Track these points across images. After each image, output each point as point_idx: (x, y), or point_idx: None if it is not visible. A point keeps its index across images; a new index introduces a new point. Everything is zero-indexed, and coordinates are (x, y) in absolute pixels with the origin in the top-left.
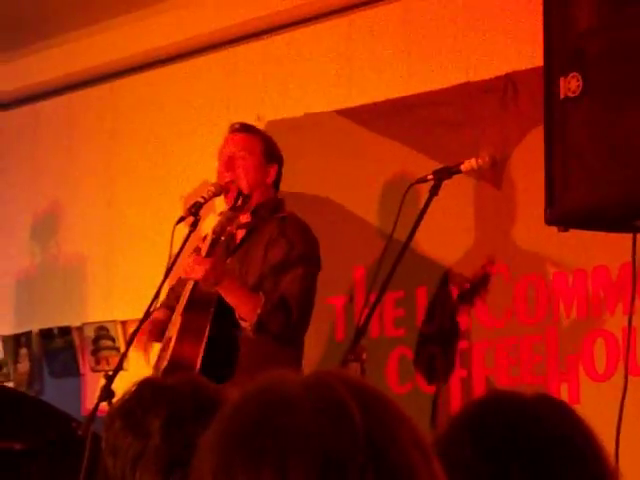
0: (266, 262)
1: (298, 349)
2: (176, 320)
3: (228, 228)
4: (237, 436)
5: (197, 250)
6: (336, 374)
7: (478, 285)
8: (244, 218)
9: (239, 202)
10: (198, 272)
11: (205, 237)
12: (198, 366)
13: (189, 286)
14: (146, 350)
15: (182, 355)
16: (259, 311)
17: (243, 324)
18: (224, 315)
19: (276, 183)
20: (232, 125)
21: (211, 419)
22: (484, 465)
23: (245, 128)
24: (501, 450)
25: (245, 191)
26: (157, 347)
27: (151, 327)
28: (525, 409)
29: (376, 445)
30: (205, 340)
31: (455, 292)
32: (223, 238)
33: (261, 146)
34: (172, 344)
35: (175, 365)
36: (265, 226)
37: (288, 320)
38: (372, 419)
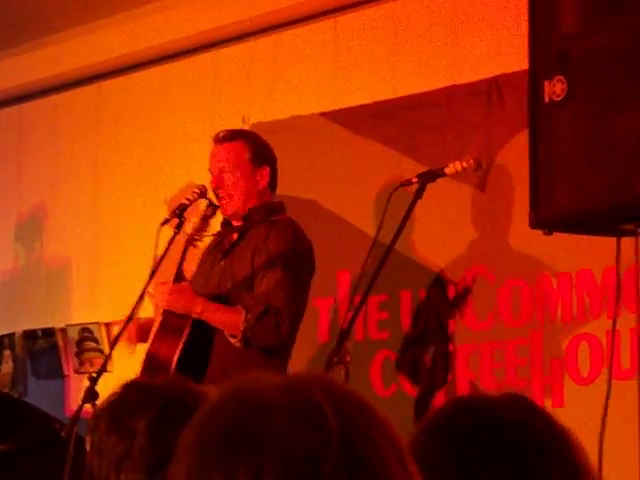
0: (252, 268)
1: (282, 357)
2: (157, 318)
3: (196, 237)
4: (212, 438)
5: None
6: (313, 376)
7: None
8: (236, 222)
9: (208, 212)
10: (161, 300)
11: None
12: (174, 365)
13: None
14: (132, 347)
15: (159, 352)
16: (242, 326)
17: (232, 341)
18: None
19: (271, 184)
20: (216, 135)
21: None
22: (455, 467)
23: (230, 136)
24: (471, 452)
25: (239, 203)
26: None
27: (137, 329)
28: (494, 410)
29: (351, 448)
30: (184, 340)
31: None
32: (194, 247)
33: (248, 153)
34: (150, 340)
35: (151, 361)
36: (255, 230)
37: (278, 330)
38: (347, 422)
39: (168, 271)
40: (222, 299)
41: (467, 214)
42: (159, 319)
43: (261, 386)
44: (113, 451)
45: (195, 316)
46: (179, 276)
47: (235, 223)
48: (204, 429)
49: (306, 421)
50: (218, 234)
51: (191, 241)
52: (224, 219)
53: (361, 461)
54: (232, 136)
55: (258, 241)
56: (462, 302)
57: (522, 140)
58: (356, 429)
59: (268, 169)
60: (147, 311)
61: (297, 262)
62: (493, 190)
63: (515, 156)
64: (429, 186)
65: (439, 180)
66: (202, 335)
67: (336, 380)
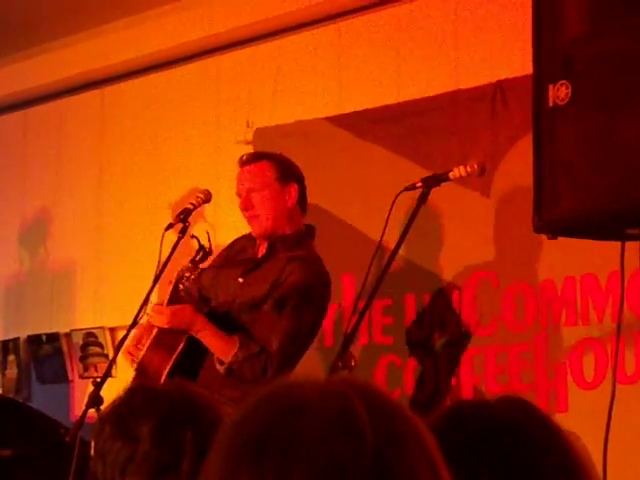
0: (265, 297)
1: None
2: (152, 330)
3: (186, 275)
4: (245, 440)
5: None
6: (352, 382)
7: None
8: (262, 249)
9: (198, 257)
10: (161, 321)
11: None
12: (162, 380)
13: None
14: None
15: (150, 366)
16: (230, 358)
17: (218, 367)
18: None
19: (301, 202)
20: (240, 158)
21: (201, 426)
22: (453, 471)
23: (254, 157)
24: (469, 455)
25: (269, 223)
26: None
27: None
28: (491, 413)
29: (384, 459)
30: (175, 356)
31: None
32: (182, 286)
33: (273, 171)
34: (143, 352)
35: (141, 374)
36: (274, 261)
37: (264, 373)
38: (382, 433)
39: (172, 276)
40: (230, 316)
41: (471, 218)
42: (154, 332)
43: (298, 390)
44: (117, 455)
45: (192, 334)
46: (174, 301)
47: (260, 243)
48: (237, 431)
49: (340, 429)
50: (245, 238)
51: (181, 280)
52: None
53: (392, 473)
54: (257, 157)
55: (277, 274)
56: (460, 311)
57: (526, 144)
58: (390, 439)
59: (296, 186)
60: None
61: (307, 305)
62: (497, 194)
63: (519, 160)
64: (433, 191)
65: (443, 185)
66: (194, 352)
67: (374, 386)
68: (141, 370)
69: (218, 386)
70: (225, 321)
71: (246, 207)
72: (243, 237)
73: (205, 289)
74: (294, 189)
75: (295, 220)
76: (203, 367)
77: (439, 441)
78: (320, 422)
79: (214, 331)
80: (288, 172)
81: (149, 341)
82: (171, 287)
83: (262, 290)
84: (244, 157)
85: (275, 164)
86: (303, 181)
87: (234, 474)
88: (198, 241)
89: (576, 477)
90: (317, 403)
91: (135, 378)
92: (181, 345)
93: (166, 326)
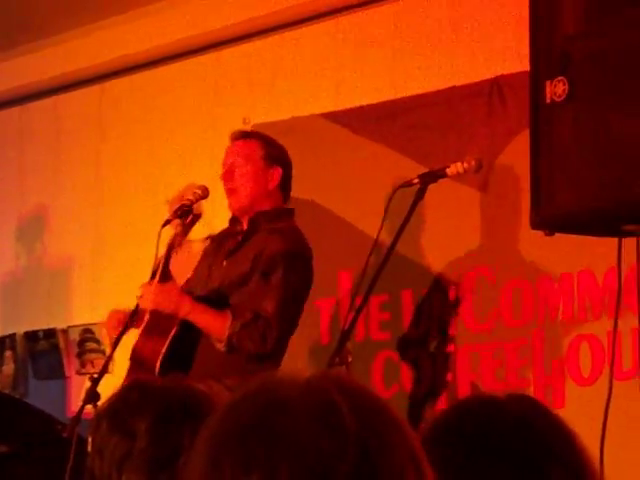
0: (249, 271)
1: (272, 362)
2: (144, 316)
3: (178, 240)
4: (228, 436)
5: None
6: (333, 378)
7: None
8: (242, 226)
9: (187, 220)
10: (147, 302)
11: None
12: (158, 365)
13: None
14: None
15: (143, 352)
16: (228, 332)
17: (218, 346)
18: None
19: (283, 186)
20: (232, 134)
21: (198, 422)
22: (461, 468)
23: (244, 134)
24: (478, 453)
25: (246, 200)
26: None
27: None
28: (500, 411)
29: (366, 454)
30: (169, 341)
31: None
32: (175, 254)
33: (261, 151)
34: (135, 339)
35: (135, 361)
36: (258, 235)
37: (264, 340)
38: (365, 427)
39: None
40: (221, 299)
41: (468, 215)
42: (146, 318)
43: (281, 386)
44: (114, 451)
45: (181, 317)
46: (165, 276)
47: (243, 220)
48: (221, 427)
49: (323, 426)
50: (224, 231)
51: (173, 245)
52: (232, 216)
53: (376, 468)
54: (248, 134)
55: (258, 248)
56: (457, 308)
57: (523, 141)
58: (373, 434)
59: (280, 170)
60: None
61: (293, 270)
62: (494, 191)
63: (516, 157)
64: (430, 187)
65: (440, 181)
66: (188, 336)
67: (357, 382)
68: (135, 358)
69: (217, 375)
70: (216, 303)
71: (226, 178)
72: (224, 229)
73: (193, 287)
74: (277, 172)
75: (274, 201)
76: (200, 357)
77: (448, 437)
78: (303, 419)
79: (204, 309)
80: (275, 155)
81: (141, 328)
82: (163, 258)
83: (246, 266)
84: (235, 133)
85: (264, 144)
86: (289, 168)
87: (217, 471)
88: (186, 205)
89: (583, 475)
90: (299, 400)
91: (130, 367)
92: (174, 328)
93: (151, 307)
